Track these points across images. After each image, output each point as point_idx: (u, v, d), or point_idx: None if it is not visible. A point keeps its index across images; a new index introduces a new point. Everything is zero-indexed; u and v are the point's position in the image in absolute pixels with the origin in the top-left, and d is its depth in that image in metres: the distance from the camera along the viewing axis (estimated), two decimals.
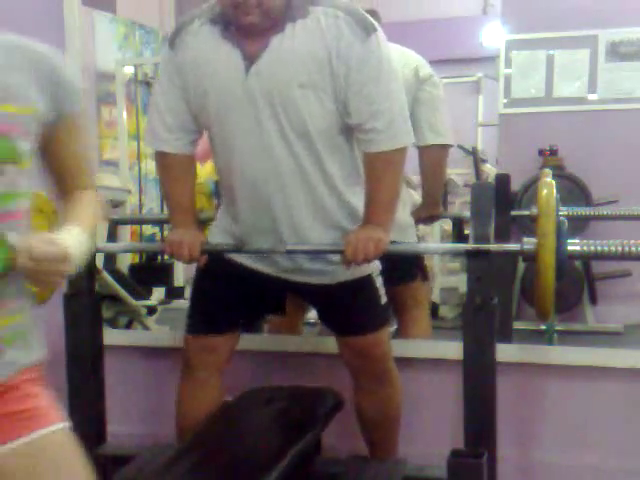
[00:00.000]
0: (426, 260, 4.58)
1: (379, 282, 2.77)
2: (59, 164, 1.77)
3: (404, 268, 3.21)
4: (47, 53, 1.67)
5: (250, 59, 2.47)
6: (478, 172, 6.25)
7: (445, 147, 3.57)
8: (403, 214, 3.27)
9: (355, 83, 2.46)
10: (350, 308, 2.75)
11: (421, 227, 4.48)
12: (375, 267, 2.75)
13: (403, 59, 3.01)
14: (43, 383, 1.70)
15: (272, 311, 3.01)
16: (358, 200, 2.64)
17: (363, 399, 2.89)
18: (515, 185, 4.17)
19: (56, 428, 1.66)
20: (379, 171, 2.56)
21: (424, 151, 3.51)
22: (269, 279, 2.76)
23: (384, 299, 2.79)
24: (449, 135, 3.59)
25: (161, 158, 2.73)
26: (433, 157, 3.54)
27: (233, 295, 2.78)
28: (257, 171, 2.56)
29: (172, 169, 2.72)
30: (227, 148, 2.60)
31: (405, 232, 3.31)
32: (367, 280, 2.74)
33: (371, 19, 2.50)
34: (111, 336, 3.33)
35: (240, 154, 2.57)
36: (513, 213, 3.90)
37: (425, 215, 3.73)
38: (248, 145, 2.54)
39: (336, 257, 2.63)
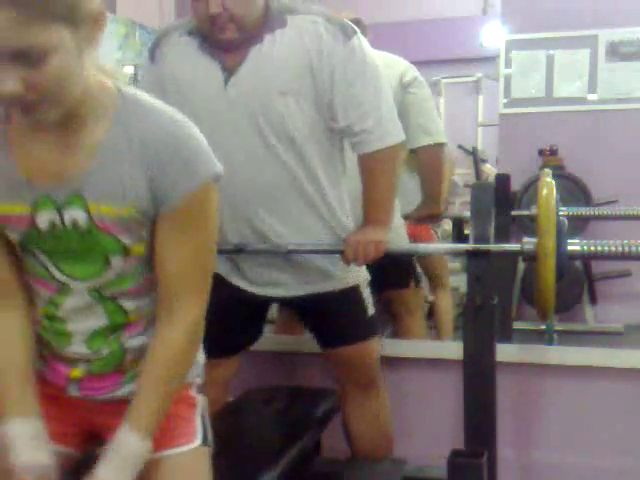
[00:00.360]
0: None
1: (366, 293, 2.74)
2: (157, 267, 1.62)
3: (395, 274, 3.19)
4: (165, 144, 1.52)
5: (229, 71, 2.44)
6: (478, 172, 6.25)
7: (439, 145, 3.57)
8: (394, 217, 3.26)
9: (340, 84, 2.44)
10: (335, 320, 2.72)
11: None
12: (363, 278, 2.73)
13: (387, 67, 2.98)
14: (186, 402, 1.80)
15: (253, 334, 2.89)
16: (342, 212, 2.63)
17: (350, 412, 2.85)
18: (515, 185, 4.18)
19: (186, 449, 1.74)
20: (374, 171, 2.54)
21: (419, 153, 3.51)
22: (253, 296, 2.71)
23: (371, 310, 2.76)
24: (441, 133, 3.59)
25: None
26: (428, 157, 3.55)
27: (227, 319, 2.69)
28: (239, 180, 2.49)
29: None
30: None
31: (396, 233, 3.29)
32: (353, 291, 2.71)
33: (350, 24, 2.48)
34: None
35: (222, 164, 2.52)
36: (513, 213, 3.90)
37: (425, 214, 3.73)
38: (230, 155, 2.43)
39: (322, 266, 2.64)
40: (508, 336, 3.44)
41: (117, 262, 1.58)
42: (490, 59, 5.62)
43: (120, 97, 1.53)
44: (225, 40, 2.39)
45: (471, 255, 2.55)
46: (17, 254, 1.62)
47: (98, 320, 1.63)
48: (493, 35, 5.72)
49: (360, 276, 2.72)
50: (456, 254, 3.34)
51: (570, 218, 2.82)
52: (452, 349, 3.02)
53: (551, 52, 4.34)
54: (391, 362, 3.08)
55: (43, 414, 1.62)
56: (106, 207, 1.52)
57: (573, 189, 4.34)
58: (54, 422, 1.66)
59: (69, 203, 1.52)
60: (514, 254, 2.64)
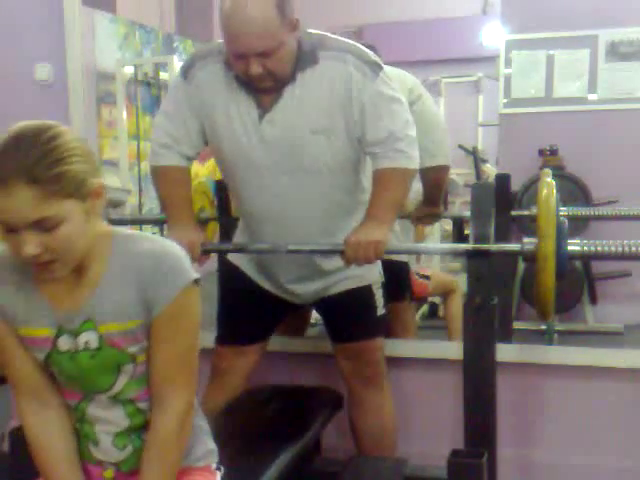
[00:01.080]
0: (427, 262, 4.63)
1: (379, 294, 2.85)
2: (149, 364, 1.88)
3: (391, 286, 3.18)
4: (147, 264, 1.81)
5: (264, 108, 2.56)
6: (478, 172, 6.26)
7: (443, 167, 3.57)
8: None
9: (371, 119, 2.55)
10: (347, 317, 2.83)
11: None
12: (377, 279, 2.84)
13: (400, 84, 3.08)
14: (207, 470, 2.03)
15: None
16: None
17: (355, 409, 2.94)
18: (516, 185, 4.18)
19: None
20: (390, 180, 2.60)
21: (423, 171, 3.50)
22: (275, 296, 2.87)
23: (382, 310, 2.86)
24: (445, 154, 3.56)
25: (155, 169, 2.78)
26: (432, 177, 3.54)
27: (256, 309, 2.87)
28: (265, 208, 2.67)
29: (165, 175, 2.76)
30: (240, 186, 2.71)
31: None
32: (367, 290, 2.82)
33: (375, 57, 2.60)
34: None
35: (253, 192, 2.68)
36: (513, 213, 3.89)
37: (425, 214, 3.74)
38: (259, 183, 2.64)
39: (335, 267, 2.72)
40: (508, 336, 3.44)
41: (127, 370, 1.86)
42: (490, 59, 5.63)
43: (114, 237, 1.85)
44: (264, 89, 2.53)
45: (471, 255, 2.55)
46: None
47: (121, 422, 1.91)
48: (493, 35, 5.71)
49: (374, 275, 2.82)
50: (456, 254, 3.34)
51: (570, 218, 2.81)
52: (452, 349, 3.02)
53: (551, 52, 4.34)
54: (391, 362, 3.08)
55: None
56: (113, 324, 1.82)
57: (573, 189, 4.34)
58: None
59: (83, 328, 1.83)
60: (514, 254, 2.64)
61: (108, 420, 1.92)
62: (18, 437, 2.65)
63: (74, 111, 3.59)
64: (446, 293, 4.35)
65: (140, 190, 5.40)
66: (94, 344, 1.84)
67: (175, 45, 5.71)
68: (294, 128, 2.56)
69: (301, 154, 2.58)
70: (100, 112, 4.73)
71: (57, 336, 1.85)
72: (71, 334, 1.84)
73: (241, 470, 2.37)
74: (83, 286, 1.83)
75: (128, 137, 5.20)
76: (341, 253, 2.57)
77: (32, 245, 1.67)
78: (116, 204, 4.38)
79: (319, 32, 2.62)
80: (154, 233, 5.11)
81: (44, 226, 1.66)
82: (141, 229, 4.88)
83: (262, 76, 2.47)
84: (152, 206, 5.52)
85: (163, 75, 5.31)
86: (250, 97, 2.57)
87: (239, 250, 2.68)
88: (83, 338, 1.84)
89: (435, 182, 3.59)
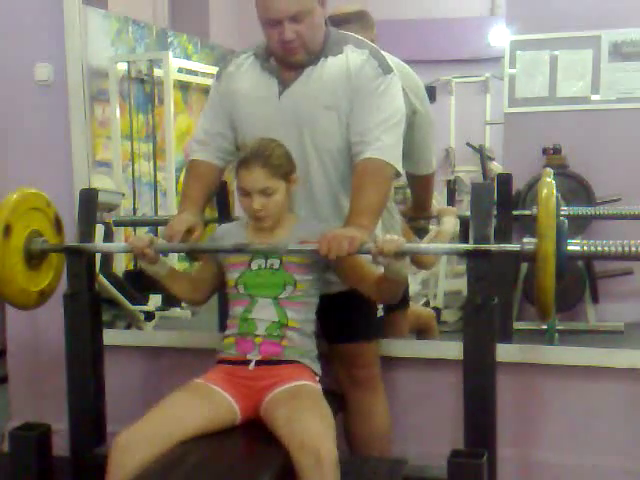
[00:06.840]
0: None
1: None
2: None
3: None
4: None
5: (284, 84, 2.77)
6: (485, 170, 6.28)
7: (433, 174, 3.57)
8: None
9: (357, 103, 2.71)
10: (346, 316, 2.85)
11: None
12: None
13: (411, 84, 3.17)
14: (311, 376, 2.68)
15: None
16: None
17: (349, 410, 2.96)
18: (520, 184, 4.19)
19: (306, 383, 2.62)
20: (363, 180, 2.66)
21: (416, 180, 3.52)
22: None
23: (380, 312, 2.91)
24: (433, 162, 3.57)
25: (191, 164, 2.94)
26: (425, 183, 3.58)
27: None
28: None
29: (193, 169, 2.93)
30: None
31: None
32: None
33: (390, 63, 2.77)
34: (111, 336, 3.35)
35: None
36: (516, 212, 3.89)
37: (414, 215, 3.76)
38: None
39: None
40: (509, 336, 3.44)
41: (289, 289, 2.65)
42: (498, 59, 5.63)
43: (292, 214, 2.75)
44: (295, 62, 2.73)
45: (471, 255, 2.55)
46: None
47: (272, 318, 2.64)
48: (501, 35, 5.72)
49: None
50: (456, 254, 3.33)
51: (572, 217, 2.81)
52: (452, 349, 3.03)
53: (555, 52, 4.35)
54: (391, 362, 3.09)
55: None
56: (291, 258, 2.64)
57: (576, 187, 4.35)
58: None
59: (271, 256, 2.66)
60: (514, 254, 2.62)
61: (264, 317, 2.64)
62: (18, 437, 2.68)
63: (74, 111, 3.59)
64: (422, 329, 4.18)
65: (134, 193, 5.33)
66: (276, 266, 2.65)
67: (170, 40, 5.67)
68: (309, 103, 2.73)
69: (314, 130, 2.74)
70: (93, 110, 4.67)
71: (251, 261, 2.67)
72: (263, 258, 2.66)
73: (241, 469, 2.37)
74: (277, 234, 2.67)
75: (121, 137, 5.12)
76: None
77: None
78: (110, 207, 4.36)
79: (349, 33, 2.84)
80: None
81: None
82: (135, 232, 4.84)
83: (295, 43, 2.64)
84: (145, 210, 5.44)
85: (157, 72, 5.26)
86: (273, 76, 2.78)
87: (238, 250, 2.68)
88: (270, 262, 2.65)
89: (427, 188, 3.63)
